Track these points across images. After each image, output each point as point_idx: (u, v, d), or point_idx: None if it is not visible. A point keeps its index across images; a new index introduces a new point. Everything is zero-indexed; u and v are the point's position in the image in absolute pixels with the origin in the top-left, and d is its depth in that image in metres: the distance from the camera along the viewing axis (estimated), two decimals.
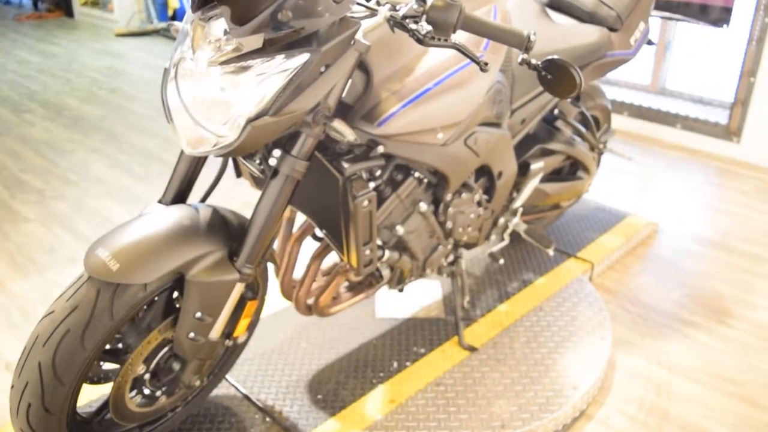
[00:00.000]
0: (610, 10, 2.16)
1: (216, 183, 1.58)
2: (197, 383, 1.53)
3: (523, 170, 2.12)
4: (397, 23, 1.30)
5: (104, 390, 1.74)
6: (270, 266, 1.78)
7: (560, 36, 2.02)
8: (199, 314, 1.37)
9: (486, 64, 1.29)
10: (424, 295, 2.26)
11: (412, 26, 1.28)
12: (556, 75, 1.33)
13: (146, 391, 1.50)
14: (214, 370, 1.70)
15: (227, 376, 1.86)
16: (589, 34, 2.09)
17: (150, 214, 1.39)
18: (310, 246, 1.84)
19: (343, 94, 1.37)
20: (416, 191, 1.70)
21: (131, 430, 1.58)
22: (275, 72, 1.20)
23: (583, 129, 2.34)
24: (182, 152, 1.50)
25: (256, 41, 1.17)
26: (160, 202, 1.51)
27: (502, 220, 2.14)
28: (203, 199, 1.56)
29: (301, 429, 1.70)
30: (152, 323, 1.43)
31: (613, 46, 2.16)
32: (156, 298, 1.42)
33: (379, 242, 1.70)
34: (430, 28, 1.26)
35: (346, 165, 1.45)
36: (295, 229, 1.82)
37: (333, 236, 1.58)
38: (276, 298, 2.10)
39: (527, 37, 1.26)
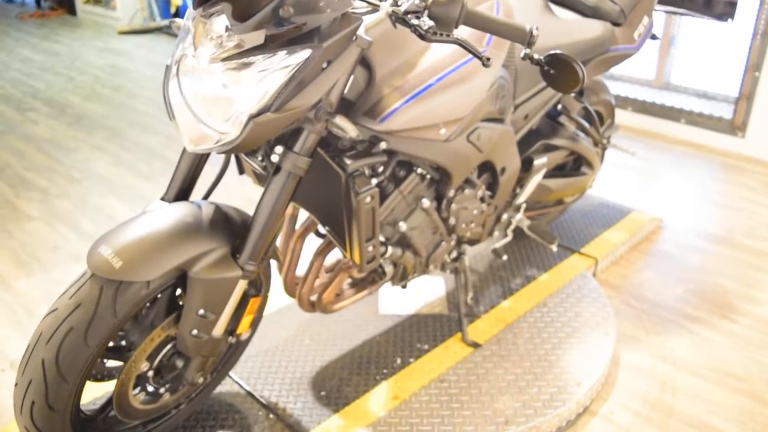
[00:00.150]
0: (613, 5, 2.15)
1: (218, 180, 1.58)
2: (200, 380, 1.53)
3: (527, 166, 2.11)
4: (399, 19, 1.29)
5: (108, 387, 1.74)
6: (273, 263, 1.78)
7: (563, 31, 2.01)
8: (202, 311, 1.37)
9: (488, 59, 1.28)
10: (427, 292, 2.26)
11: (414, 22, 1.27)
12: (558, 70, 1.32)
13: (150, 389, 1.50)
14: (218, 367, 1.70)
15: (231, 373, 1.86)
16: (593, 28, 2.08)
17: (153, 211, 1.39)
18: (313, 243, 1.84)
19: (345, 90, 1.37)
20: (419, 187, 1.70)
21: (135, 428, 1.58)
22: (277, 68, 1.20)
23: (586, 124, 2.33)
24: (184, 149, 1.49)
25: (257, 37, 1.17)
26: (162, 199, 1.51)
27: (505, 216, 2.13)
28: (206, 197, 1.55)
29: (304, 426, 1.70)
30: (155, 320, 1.43)
31: (617, 41, 2.15)
32: (159, 296, 1.42)
33: (381, 239, 1.70)
34: (432, 23, 1.26)
35: (348, 161, 1.45)
36: (297, 226, 1.82)
37: (336, 233, 1.58)
38: (279, 295, 2.10)
39: (530, 32, 1.25)
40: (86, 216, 2.98)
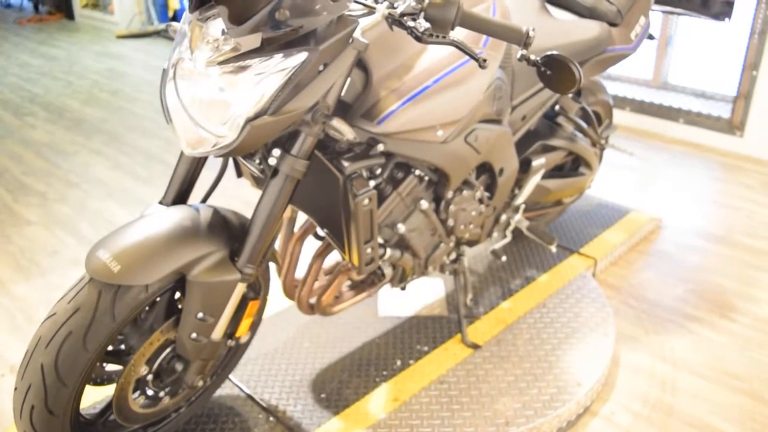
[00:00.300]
0: (610, 5, 2.15)
1: (216, 183, 1.58)
2: (200, 384, 1.53)
3: (525, 167, 2.11)
4: (395, 21, 1.29)
5: (108, 391, 1.74)
6: (272, 266, 1.78)
7: (560, 31, 2.01)
8: (201, 315, 1.37)
9: (485, 60, 1.28)
10: (426, 293, 2.26)
11: (411, 24, 1.27)
12: (555, 71, 1.32)
13: (149, 392, 1.50)
14: (217, 371, 1.70)
15: (231, 376, 1.86)
16: (590, 29, 2.08)
17: (151, 215, 1.39)
18: (311, 245, 1.83)
19: (342, 93, 1.37)
20: (417, 189, 1.70)
21: (135, 431, 1.58)
22: (274, 71, 1.20)
23: (584, 125, 2.33)
24: (182, 153, 1.50)
25: (254, 41, 1.17)
26: (160, 203, 1.51)
27: (504, 217, 2.14)
28: (204, 200, 1.56)
29: (304, 428, 1.70)
30: (154, 324, 1.43)
31: (614, 41, 2.16)
32: (158, 299, 1.42)
33: (380, 241, 1.70)
34: (428, 25, 1.26)
35: (346, 164, 1.45)
36: (296, 229, 1.82)
37: (334, 235, 1.58)
38: (278, 298, 2.10)
39: (526, 33, 1.26)
40: (85, 220, 2.98)
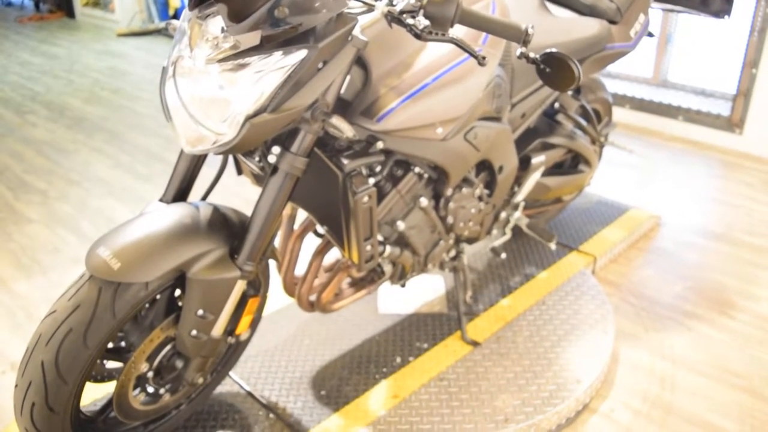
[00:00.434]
0: (609, 3, 2.15)
1: (216, 181, 1.58)
2: (200, 381, 1.53)
3: (524, 164, 2.11)
4: (394, 18, 1.30)
5: (108, 388, 1.75)
6: (272, 263, 1.78)
7: (559, 29, 2.01)
8: (201, 312, 1.38)
9: (484, 58, 1.28)
10: (426, 291, 2.26)
11: (410, 21, 1.27)
12: (554, 68, 1.33)
13: (150, 389, 1.50)
14: (217, 368, 1.71)
15: (231, 374, 1.86)
16: (589, 26, 2.08)
17: (151, 212, 1.39)
18: (311, 243, 1.84)
19: (342, 90, 1.37)
20: (416, 186, 1.70)
21: (135, 429, 1.59)
22: (273, 69, 1.20)
23: (584, 122, 2.33)
24: (182, 151, 1.50)
25: (253, 38, 1.17)
26: (160, 200, 1.52)
27: (503, 215, 2.14)
28: (204, 197, 1.56)
29: (304, 425, 1.70)
30: (154, 321, 1.43)
31: (613, 39, 2.16)
32: (158, 297, 1.42)
33: (380, 238, 1.70)
34: (427, 22, 1.26)
35: (345, 161, 1.45)
36: (296, 226, 1.83)
37: (334, 232, 1.59)
38: (278, 295, 2.10)
39: (525, 30, 1.26)
40: (86, 218, 2.98)
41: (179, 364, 1.50)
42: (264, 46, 1.19)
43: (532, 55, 1.33)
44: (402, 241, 1.76)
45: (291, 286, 1.82)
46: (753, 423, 1.82)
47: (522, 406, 1.77)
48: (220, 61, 1.20)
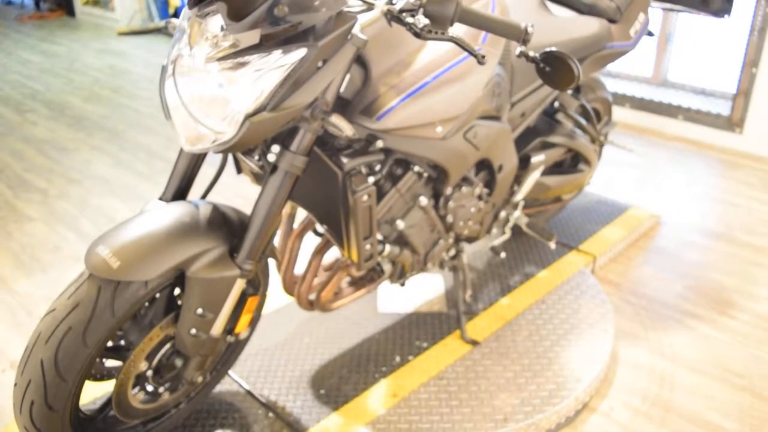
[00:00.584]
0: (609, 2, 2.15)
1: (216, 179, 1.58)
2: (200, 379, 1.53)
3: (524, 163, 2.11)
4: (394, 17, 1.30)
5: (107, 387, 1.75)
6: (272, 262, 1.78)
7: (559, 28, 2.01)
8: (200, 311, 1.38)
9: (483, 57, 1.28)
10: (426, 290, 2.26)
11: (409, 20, 1.27)
12: (554, 67, 1.33)
13: (149, 388, 1.50)
14: (217, 366, 1.71)
15: (230, 372, 1.86)
16: (589, 25, 2.08)
17: (150, 211, 1.39)
18: (311, 241, 1.84)
19: (342, 89, 1.37)
20: (416, 185, 1.70)
21: (135, 427, 1.59)
22: (273, 67, 1.20)
23: (583, 121, 2.33)
24: (181, 149, 1.50)
25: (252, 37, 1.17)
26: (160, 199, 1.52)
27: (503, 214, 2.14)
28: (203, 196, 1.56)
29: (304, 424, 1.70)
30: (154, 320, 1.43)
31: (613, 38, 2.16)
32: (157, 295, 1.42)
33: (379, 237, 1.70)
34: (427, 21, 1.26)
35: (345, 160, 1.45)
36: (296, 225, 1.83)
37: (334, 231, 1.59)
38: (278, 294, 2.10)
39: (525, 29, 1.26)
40: (86, 217, 2.98)
41: (178, 362, 1.50)
42: (263, 45, 1.19)
43: (531, 53, 1.33)
44: (401, 240, 1.76)
45: (290, 285, 1.82)
46: (752, 422, 1.82)
47: (521, 405, 1.77)
48: (220, 59, 1.20)
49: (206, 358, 1.49)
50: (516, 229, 2.51)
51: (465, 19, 1.27)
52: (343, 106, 1.45)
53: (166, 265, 1.30)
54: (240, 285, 1.41)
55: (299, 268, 1.86)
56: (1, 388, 1.95)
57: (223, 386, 1.83)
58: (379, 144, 1.51)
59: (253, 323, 1.71)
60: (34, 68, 5.63)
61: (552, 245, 2.27)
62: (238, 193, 3.12)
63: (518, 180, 2.13)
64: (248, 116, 1.20)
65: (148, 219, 1.35)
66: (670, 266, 2.57)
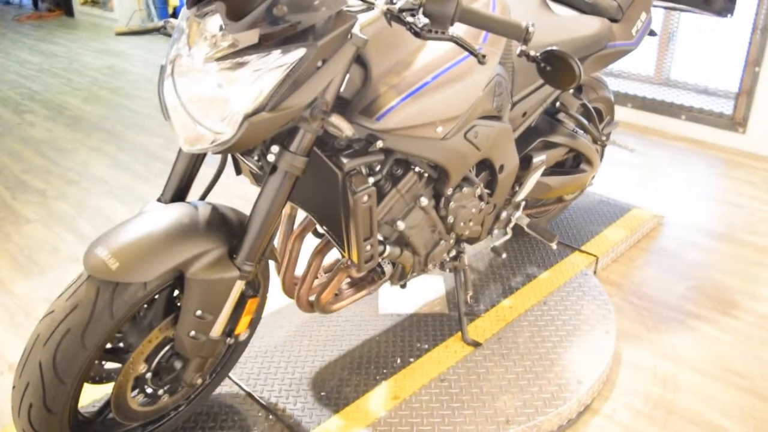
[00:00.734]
0: (611, 1, 2.14)
1: (215, 180, 1.57)
2: (199, 382, 1.52)
3: (525, 163, 2.10)
4: (394, 17, 1.29)
5: (106, 389, 1.74)
6: (271, 263, 1.77)
7: (560, 27, 2.00)
8: (199, 312, 1.37)
9: (484, 56, 1.27)
10: (426, 291, 2.25)
11: (410, 19, 1.26)
12: (555, 66, 1.32)
13: (148, 390, 1.49)
14: (217, 369, 1.70)
15: (230, 375, 1.85)
16: (590, 25, 2.07)
17: (149, 212, 1.38)
18: (311, 243, 1.83)
19: (341, 89, 1.36)
20: (416, 186, 1.69)
21: (134, 430, 1.58)
22: (272, 67, 1.19)
23: (585, 121, 2.32)
24: (180, 150, 1.49)
25: (251, 37, 1.16)
26: (159, 200, 1.51)
27: (504, 214, 2.13)
28: (203, 197, 1.55)
29: (304, 426, 1.69)
30: (153, 322, 1.42)
31: (615, 37, 2.15)
32: (156, 297, 1.41)
33: (380, 238, 1.69)
34: (427, 21, 1.25)
35: (345, 160, 1.44)
36: (296, 226, 1.82)
37: (334, 232, 1.57)
38: (278, 296, 2.09)
39: (525, 28, 1.25)
40: (84, 218, 2.97)
41: (178, 364, 1.49)
42: (262, 45, 1.18)
43: (532, 53, 1.32)
44: (402, 241, 1.75)
45: (290, 287, 1.81)
46: (755, 423, 1.81)
47: (523, 407, 1.76)
48: (219, 59, 1.19)
49: (206, 360, 1.48)
50: (517, 230, 2.49)
51: (465, 19, 1.26)
52: (342, 106, 1.44)
53: (165, 267, 1.29)
54: (239, 286, 1.40)
55: (299, 270, 1.84)
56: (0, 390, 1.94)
57: (223, 388, 1.82)
58: (380, 144, 1.50)
59: (253, 325, 1.70)
60: (32, 68, 5.63)
61: (554, 246, 2.26)
62: (238, 193, 3.11)
63: (519, 180, 2.11)
64: (247, 116, 1.20)
65: (146, 220, 1.34)
66: (672, 267, 2.56)
